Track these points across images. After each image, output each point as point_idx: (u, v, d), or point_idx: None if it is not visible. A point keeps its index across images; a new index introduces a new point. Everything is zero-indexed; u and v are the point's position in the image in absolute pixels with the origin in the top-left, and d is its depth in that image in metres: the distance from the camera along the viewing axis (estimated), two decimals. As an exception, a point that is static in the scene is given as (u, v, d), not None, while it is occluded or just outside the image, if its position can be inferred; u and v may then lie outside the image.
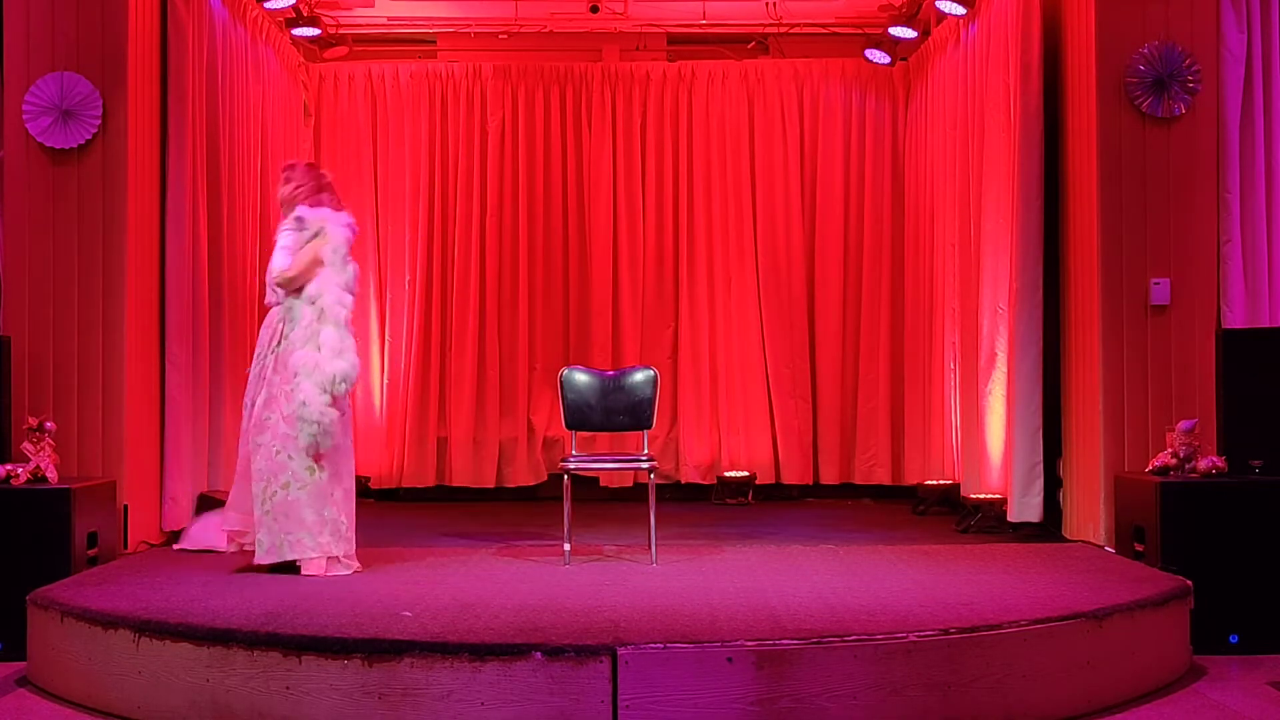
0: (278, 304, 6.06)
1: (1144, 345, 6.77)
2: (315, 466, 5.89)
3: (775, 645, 4.39)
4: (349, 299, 6.04)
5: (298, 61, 9.84)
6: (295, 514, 5.86)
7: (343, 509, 5.96)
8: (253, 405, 6.03)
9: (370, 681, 4.38)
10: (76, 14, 6.73)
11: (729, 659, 4.35)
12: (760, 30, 10.12)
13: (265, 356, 6.06)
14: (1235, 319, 6.79)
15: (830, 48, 10.18)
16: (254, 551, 5.93)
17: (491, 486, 9.96)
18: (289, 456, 5.89)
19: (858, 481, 10.07)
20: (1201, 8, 6.85)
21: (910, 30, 9.27)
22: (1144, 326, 6.78)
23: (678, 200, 10.22)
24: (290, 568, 5.87)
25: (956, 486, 8.71)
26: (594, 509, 8.78)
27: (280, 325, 6.04)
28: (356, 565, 5.97)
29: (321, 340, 5.92)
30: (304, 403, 5.87)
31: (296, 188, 6.13)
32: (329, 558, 5.89)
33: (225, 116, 7.96)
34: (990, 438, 8.01)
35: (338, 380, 5.89)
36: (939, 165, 9.28)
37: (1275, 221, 6.99)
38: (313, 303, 5.96)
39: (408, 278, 10.06)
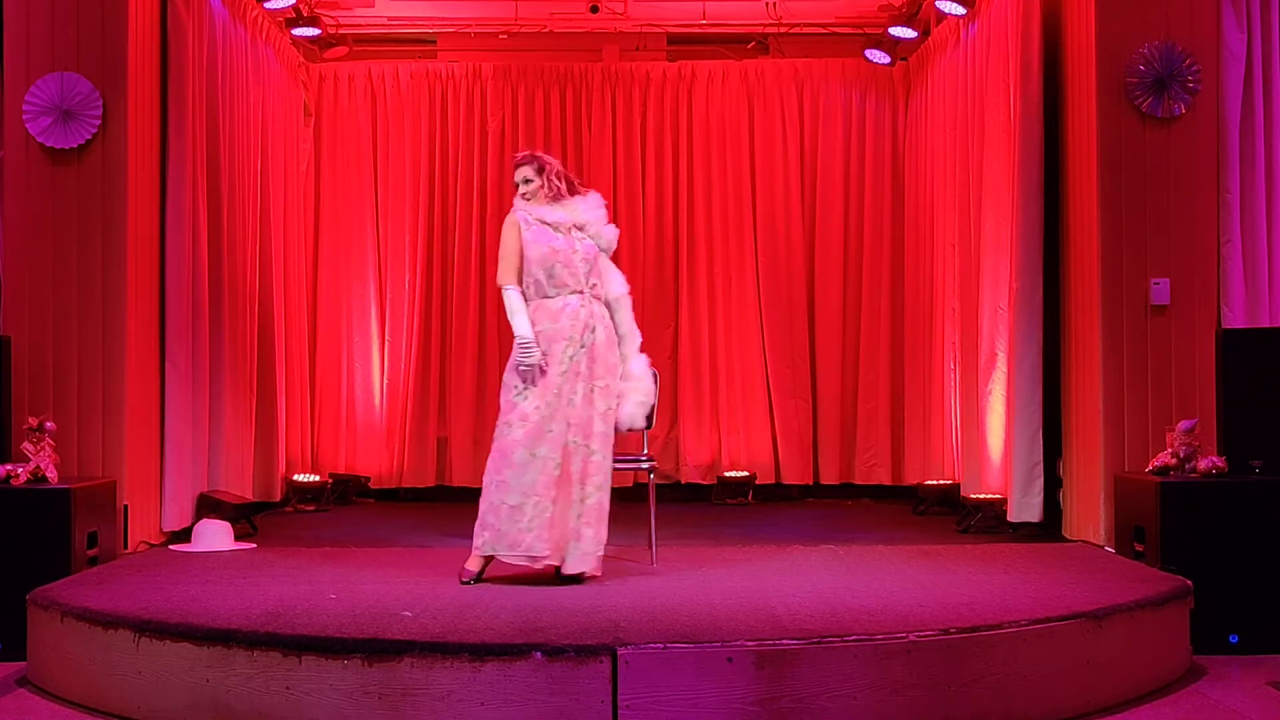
0: (579, 293, 5.76)
1: (1144, 345, 6.77)
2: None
3: (775, 645, 4.39)
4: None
5: (298, 61, 9.84)
6: (606, 515, 5.75)
7: None
8: (570, 404, 5.67)
9: (370, 681, 4.38)
10: (76, 14, 6.73)
11: (729, 659, 4.35)
12: (760, 30, 10.12)
13: (576, 354, 5.71)
14: (1235, 319, 6.78)
15: (830, 48, 10.18)
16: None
17: (492, 486, 9.97)
18: (603, 456, 5.73)
19: (858, 481, 10.07)
20: (1201, 8, 6.85)
21: (910, 30, 9.27)
22: (1144, 326, 6.78)
23: (678, 200, 10.22)
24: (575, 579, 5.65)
25: (956, 486, 8.71)
26: (594, 509, 8.76)
27: (588, 318, 5.74)
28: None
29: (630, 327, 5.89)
30: (649, 394, 5.86)
31: None
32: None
33: (225, 116, 7.96)
34: (990, 438, 8.01)
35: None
36: (939, 165, 9.28)
37: (1275, 221, 6.99)
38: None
39: (408, 278, 10.06)
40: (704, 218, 10.20)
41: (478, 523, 5.72)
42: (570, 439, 5.67)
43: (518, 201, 5.86)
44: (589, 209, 5.87)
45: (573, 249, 5.75)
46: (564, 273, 5.73)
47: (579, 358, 5.71)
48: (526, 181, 5.84)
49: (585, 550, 5.67)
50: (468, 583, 5.64)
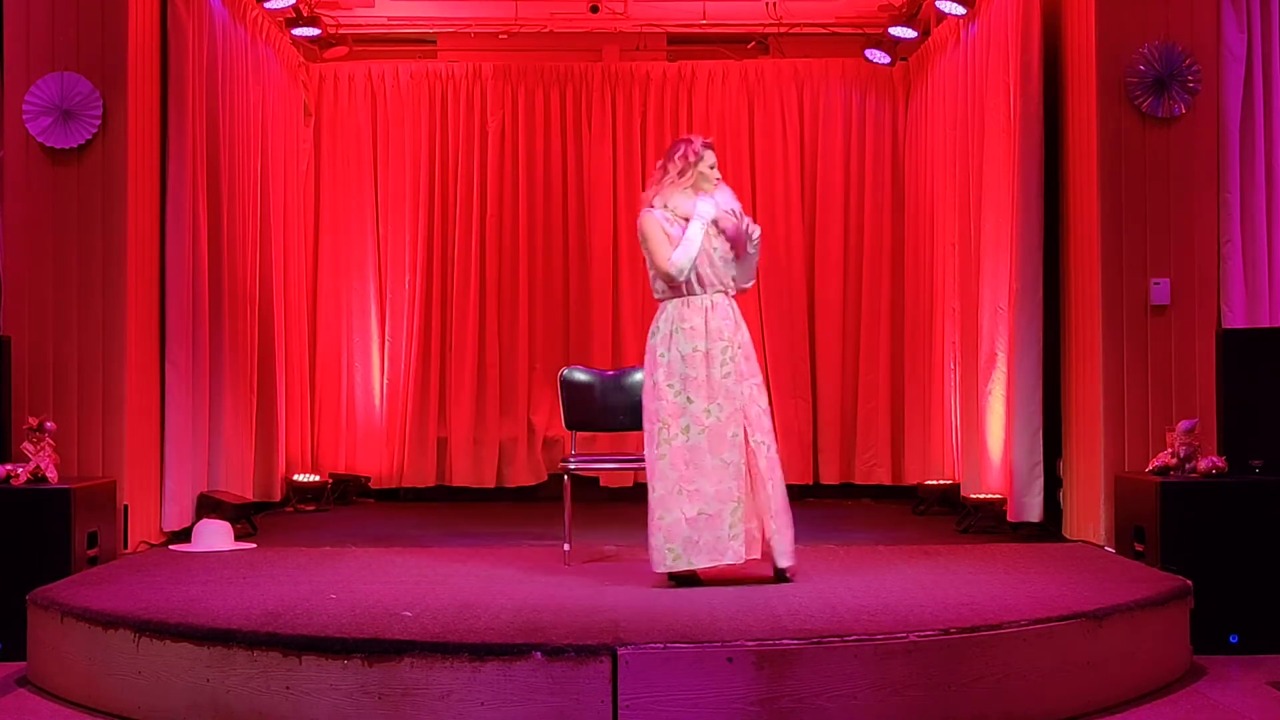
0: (723, 291, 5.67)
1: (1144, 345, 6.77)
2: None
3: (775, 645, 4.39)
4: None
5: (298, 61, 9.84)
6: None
7: None
8: (743, 406, 5.58)
9: (370, 681, 4.38)
10: (76, 14, 6.73)
11: (729, 659, 4.35)
12: (760, 30, 10.12)
13: (735, 354, 5.61)
14: (1235, 319, 6.78)
15: (830, 48, 10.19)
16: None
17: (492, 486, 9.98)
18: (774, 449, 5.67)
19: (858, 481, 10.07)
20: (1201, 8, 6.85)
21: (910, 30, 9.27)
22: (1144, 326, 6.78)
23: (678, 200, 10.21)
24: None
25: (956, 486, 8.71)
26: (594, 509, 8.76)
27: (737, 316, 5.67)
28: None
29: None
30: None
31: None
32: None
33: (225, 116, 7.96)
34: (990, 438, 8.01)
35: None
36: (939, 165, 9.28)
37: (1275, 221, 6.98)
38: None
39: (408, 278, 10.06)
40: (704, 218, 10.19)
41: (660, 535, 5.52)
42: (753, 439, 5.58)
43: (661, 197, 5.66)
44: (730, 198, 5.72)
45: (713, 246, 5.63)
46: (710, 272, 5.61)
47: (737, 357, 5.61)
48: (713, 168, 5.70)
49: (786, 548, 5.64)
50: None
